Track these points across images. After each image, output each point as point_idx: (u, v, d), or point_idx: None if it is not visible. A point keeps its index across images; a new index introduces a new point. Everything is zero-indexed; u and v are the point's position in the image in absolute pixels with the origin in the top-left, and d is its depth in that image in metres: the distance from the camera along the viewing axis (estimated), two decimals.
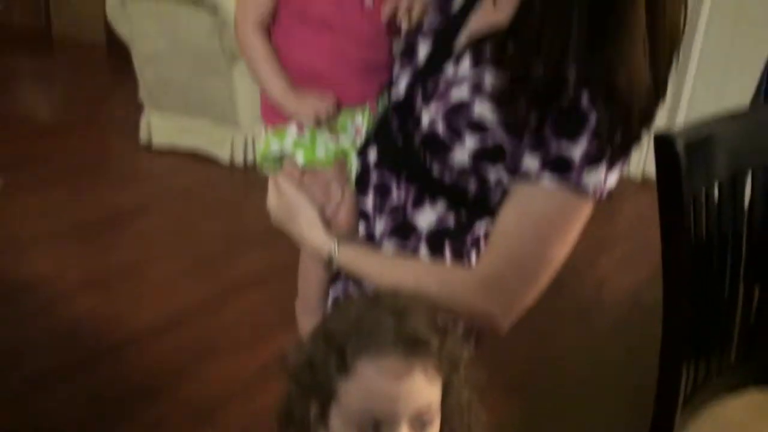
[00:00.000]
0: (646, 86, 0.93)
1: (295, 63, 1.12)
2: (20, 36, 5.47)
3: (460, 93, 1.01)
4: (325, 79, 1.12)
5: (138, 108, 3.97)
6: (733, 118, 1.38)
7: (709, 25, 3.65)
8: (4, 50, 5.26)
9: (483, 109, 0.98)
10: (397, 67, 1.14)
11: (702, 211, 1.29)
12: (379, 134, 1.14)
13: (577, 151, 0.95)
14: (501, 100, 0.97)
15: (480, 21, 1.07)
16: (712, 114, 1.34)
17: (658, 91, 0.95)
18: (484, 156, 1.00)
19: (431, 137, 1.03)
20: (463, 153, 1.01)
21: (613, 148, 0.95)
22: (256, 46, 1.12)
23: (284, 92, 1.11)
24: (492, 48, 1.00)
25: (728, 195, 1.35)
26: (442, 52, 1.07)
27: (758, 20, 3.51)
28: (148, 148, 3.93)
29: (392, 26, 1.13)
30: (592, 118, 0.93)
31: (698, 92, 3.75)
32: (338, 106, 1.13)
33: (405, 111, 1.10)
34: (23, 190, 3.30)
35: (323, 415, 0.87)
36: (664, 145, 1.23)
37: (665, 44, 0.94)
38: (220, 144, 3.82)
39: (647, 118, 0.96)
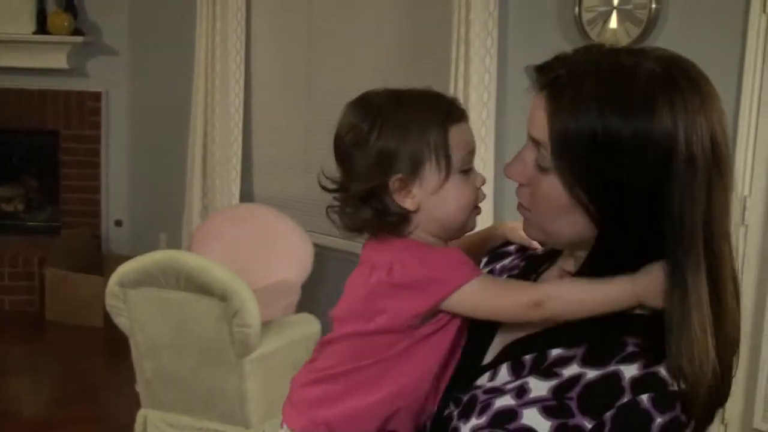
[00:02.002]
0: (712, 366, 0.97)
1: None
2: (11, 320, 5.34)
3: (505, 401, 1.03)
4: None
5: (136, 403, 3.65)
6: None
7: None
8: None
9: (531, 418, 1.00)
10: None
11: None
12: None
13: None
14: (554, 412, 0.99)
15: (515, 327, 1.10)
16: None
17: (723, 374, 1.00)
18: None
19: None
20: None
21: None
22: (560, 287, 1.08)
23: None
24: (537, 357, 1.05)
25: None
26: (473, 365, 1.12)
27: None
28: None
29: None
30: (657, 418, 0.95)
31: None
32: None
33: (440, 425, 1.11)
34: None
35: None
36: None
37: (728, 331, 1.01)
38: None
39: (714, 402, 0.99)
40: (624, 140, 0.96)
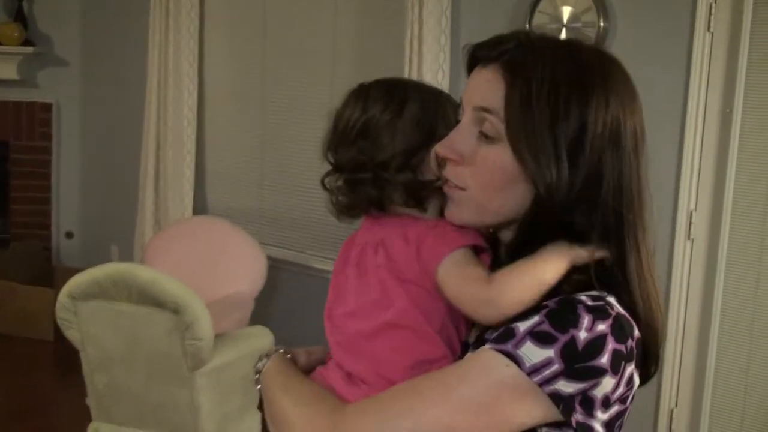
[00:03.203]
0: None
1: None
2: None
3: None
4: None
5: (87, 417, 3.62)
6: None
7: None
8: None
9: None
10: None
11: None
12: None
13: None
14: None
15: None
16: None
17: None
18: None
19: None
20: None
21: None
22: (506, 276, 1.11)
23: None
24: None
25: None
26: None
27: None
28: None
29: None
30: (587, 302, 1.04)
31: None
32: None
33: None
34: None
35: None
36: None
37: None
38: None
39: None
40: (575, 110, 1.03)
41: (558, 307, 1.02)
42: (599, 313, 1.01)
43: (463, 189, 1.10)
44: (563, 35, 3.53)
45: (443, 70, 3.83)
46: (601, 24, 3.44)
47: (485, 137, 1.07)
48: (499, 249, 1.16)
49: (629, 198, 1.06)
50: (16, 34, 5.18)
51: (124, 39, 5.14)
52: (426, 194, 1.18)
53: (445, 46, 3.81)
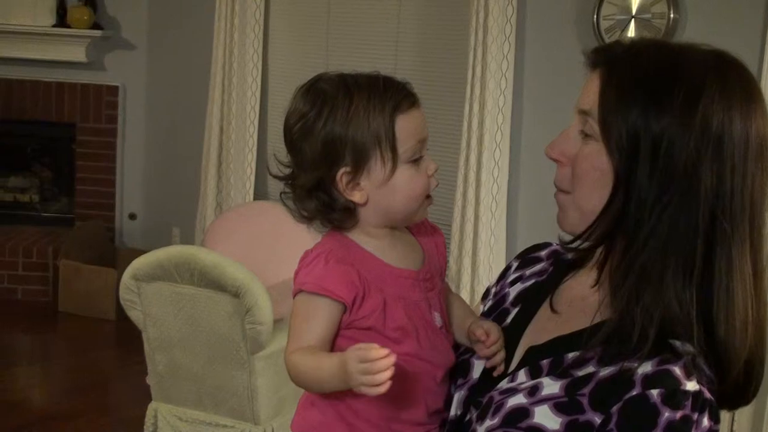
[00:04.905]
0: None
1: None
2: (24, 310, 5.33)
3: (517, 400, 1.03)
4: (395, 398, 1.10)
5: (146, 396, 3.65)
6: None
7: None
8: (3, 325, 5.09)
9: (543, 415, 1.00)
10: (452, 387, 1.18)
11: None
12: None
13: None
14: (565, 408, 0.99)
15: (538, 332, 1.13)
16: None
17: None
18: None
19: None
20: None
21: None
22: (299, 358, 1.11)
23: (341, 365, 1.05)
24: (554, 361, 1.05)
25: None
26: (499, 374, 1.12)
27: None
28: None
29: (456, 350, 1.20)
30: (664, 413, 0.94)
31: None
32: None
33: (460, 429, 1.13)
34: None
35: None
36: None
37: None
38: None
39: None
40: (669, 115, 0.99)
41: (631, 410, 0.97)
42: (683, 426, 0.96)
43: (567, 192, 1.08)
44: (631, 27, 3.47)
45: (507, 60, 3.80)
46: (672, 15, 3.38)
47: (585, 136, 1.06)
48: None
49: (734, 208, 1.00)
50: (85, 17, 5.22)
51: (189, 24, 5.18)
52: (343, 218, 1.15)
53: (511, 36, 3.79)
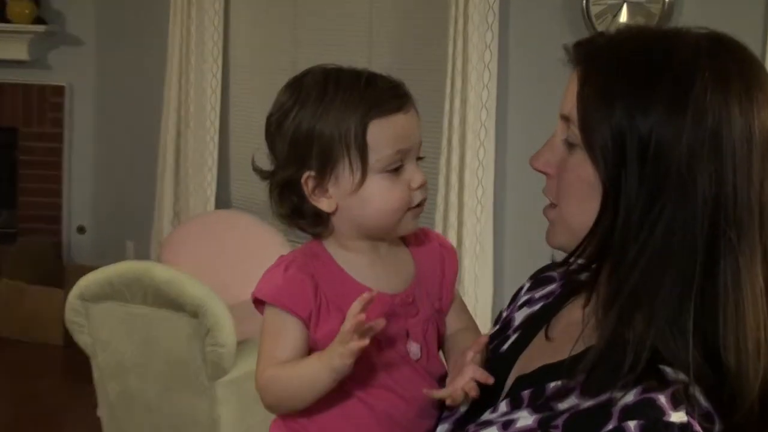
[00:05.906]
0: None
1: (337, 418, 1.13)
2: None
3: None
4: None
5: (97, 430, 3.64)
6: None
7: None
8: None
9: None
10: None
11: None
12: None
13: None
14: None
15: (528, 360, 1.10)
16: None
17: None
18: None
19: None
20: None
21: None
22: (273, 373, 1.12)
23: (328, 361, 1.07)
24: (535, 391, 1.02)
25: None
26: (487, 398, 1.10)
27: None
28: None
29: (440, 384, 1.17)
30: None
31: None
32: None
33: None
34: None
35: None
36: None
37: None
38: None
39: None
40: (656, 111, 0.93)
41: None
42: None
43: (555, 205, 1.04)
44: (623, 12, 3.51)
45: (491, 50, 3.82)
46: None
47: (569, 145, 1.00)
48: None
49: (739, 214, 0.93)
50: (27, 11, 5.11)
51: (142, 17, 5.11)
52: (312, 224, 1.15)
53: (494, 24, 3.80)
